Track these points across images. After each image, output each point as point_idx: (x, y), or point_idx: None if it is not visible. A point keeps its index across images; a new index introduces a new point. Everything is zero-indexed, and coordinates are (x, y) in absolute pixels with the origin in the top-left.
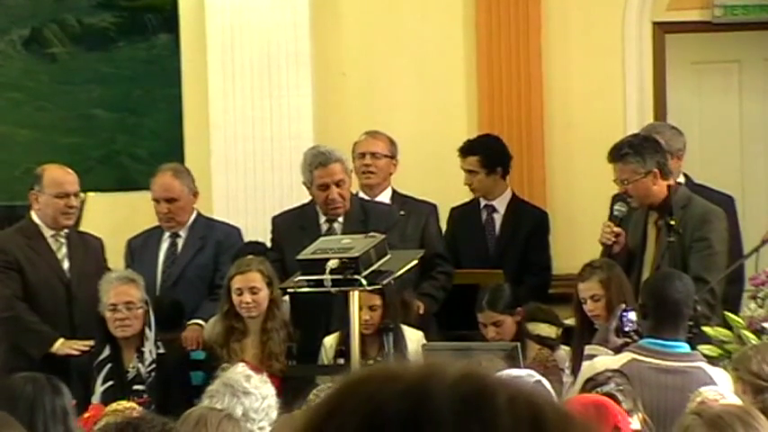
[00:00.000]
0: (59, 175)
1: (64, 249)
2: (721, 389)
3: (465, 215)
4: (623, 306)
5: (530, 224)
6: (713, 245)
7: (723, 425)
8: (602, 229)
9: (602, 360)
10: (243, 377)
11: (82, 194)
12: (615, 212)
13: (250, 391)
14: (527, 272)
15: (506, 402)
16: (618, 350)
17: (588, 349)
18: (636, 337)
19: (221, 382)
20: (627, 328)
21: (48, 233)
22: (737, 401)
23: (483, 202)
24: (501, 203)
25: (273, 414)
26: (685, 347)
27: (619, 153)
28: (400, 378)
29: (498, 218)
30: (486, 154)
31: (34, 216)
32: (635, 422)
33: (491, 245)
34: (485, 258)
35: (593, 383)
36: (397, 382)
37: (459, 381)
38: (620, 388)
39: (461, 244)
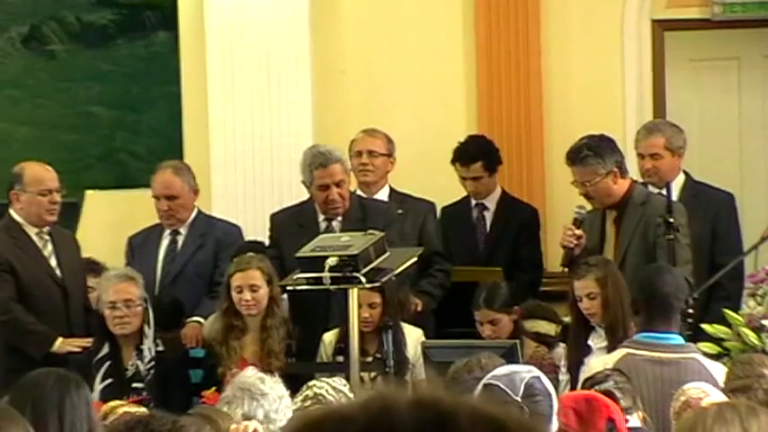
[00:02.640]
0: (40, 173)
1: (50, 246)
2: (705, 386)
3: (456, 214)
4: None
5: (520, 221)
6: (678, 238)
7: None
8: (564, 233)
9: (597, 358)
10: (257, 379)
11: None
12: (575, 215)
13: (266, 393)
14: (518, 269)
15: (468, 422)
16: None
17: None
18: None
19: (237, 388)
20: None
21: (32, 231)
22: (722, 397)
23: (474, 201)
24: (491, 201)
25: (290, 413)
26: (679, 339)
27: (578, 156)
28: (354, 417)
29: (489, 215)
30: (488, 158)
31: (15, 215)
32: (634, 420)
33: (481, 242)
34: (475, 256)
35: (591, 382)
36: (353, 422)
37: (416, 408)
38: (619, 386)
39: (452, 242)
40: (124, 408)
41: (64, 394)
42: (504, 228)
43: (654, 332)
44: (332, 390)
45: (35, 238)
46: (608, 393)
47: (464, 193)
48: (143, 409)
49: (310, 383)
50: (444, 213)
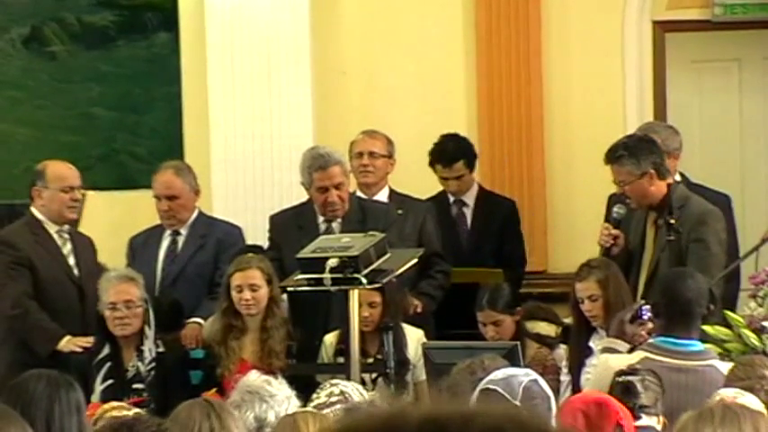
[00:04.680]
0: (62, 170)
1: (69, 245)
2: (740, 390)
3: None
4: (642, 302)
5: (501, 216)
6: (710, 246)
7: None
8: (601, 231)
9: (614, 358)
10: (263, 382)
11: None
12: (614, 214)
13: (275, 394)
14: (503, 265)
15: None
16: (634, 339)
17: (607, 342)
18: (650, 325)
19: (244, 392)
20: (645, 317)
21: (52, 229)
22: (754, 399)
23: (452, 197)
24: (470, 197)
25: None
26: (698, 346)
27: (614, 155)
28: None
29: (468, 211)
30: (468, 155)
31: (36, 212)
32: (647, 420)
33: (464, 239)
34: (458, 253)
35: (623, 370)
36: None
37: (423, 425)
38: (645, 383)
39: None
40: (113, 412)
41: (53, 400)
42: (486, 223)
43: (673, 338)
44: (356, 391)
45: (55, 236)
46: (630, 386)
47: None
48: (134, 411)
49: (334, 381)
50: None
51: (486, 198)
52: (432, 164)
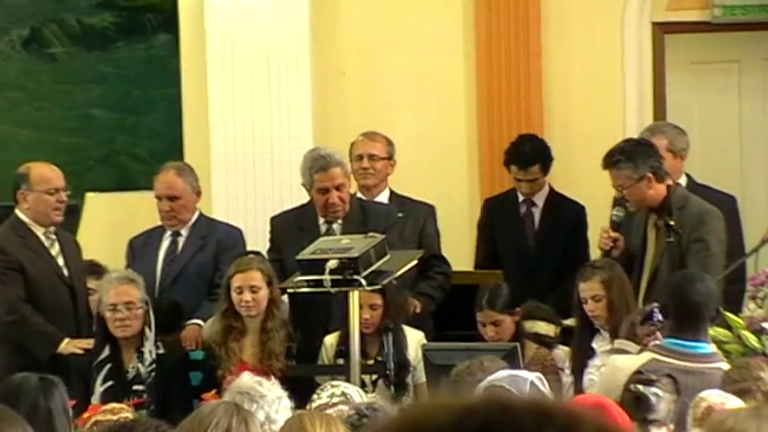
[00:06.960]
0: (47, 172)
1: (56, 246)
2: (723, 393)
3: (502, 207)
4: (655, 304)
5: (570, 218)
6: (710, 246)
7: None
8: (600, 235)
9: (622, 359)
10: (255, 383)
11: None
12: (613, 217)
13: (265, 394)
14: (566, 267)
15: None
16: (645, 341)
17: (618, 344)
18: (660, 326)
19: (235, 392)
20: (656, 318)
21: (39, 231)
22: (741, 404)
23: (521, 196)
24: (540, 197)
25: (288, 414)
26: (706, 348)
27: (611, 160)
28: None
29: (537, 212)
30: (544, 159)
31: (21, 215)
32: None
33: (531, 239)
34: (524, 253)
35: (638, 378)
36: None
37: (538, 414)
38: (660, 395)
39: (499, 237)
40: (100, 416)
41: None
42: (555, 225)
43: (681, 339)
44: (357, 392)
45: (42, 237)
46: (642, 398)
47: (464, 195)
48: (120, 415)
49: (334, 383)
50: (487, 205)
51: (555, 200)
52: (506, 163)
